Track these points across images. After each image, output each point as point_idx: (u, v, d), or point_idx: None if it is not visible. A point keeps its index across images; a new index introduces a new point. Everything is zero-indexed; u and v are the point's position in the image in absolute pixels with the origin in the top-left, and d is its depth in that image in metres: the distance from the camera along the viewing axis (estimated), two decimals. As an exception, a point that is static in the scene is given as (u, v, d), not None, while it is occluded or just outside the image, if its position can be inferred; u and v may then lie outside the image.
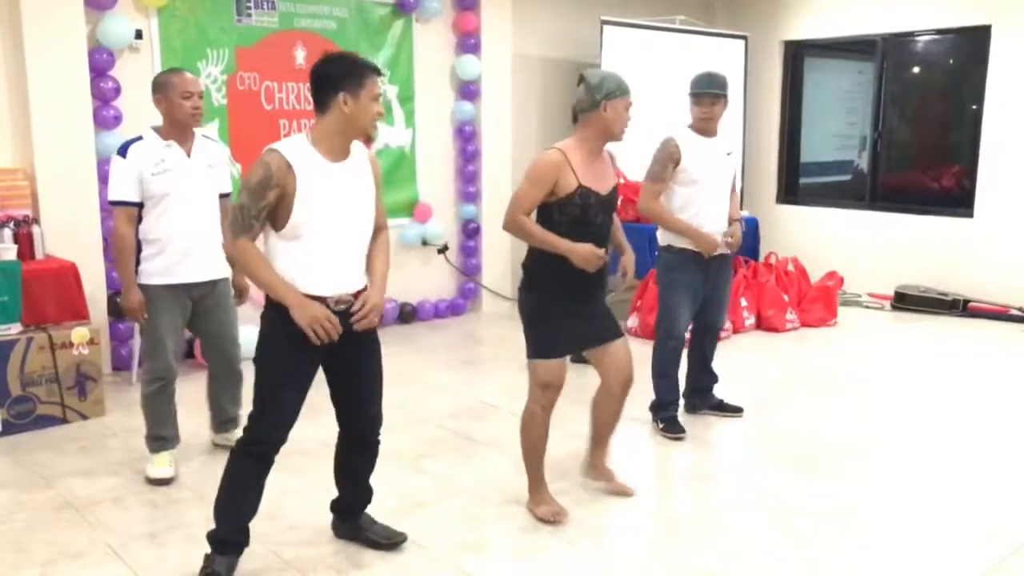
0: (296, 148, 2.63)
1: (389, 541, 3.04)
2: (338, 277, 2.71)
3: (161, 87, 3.49)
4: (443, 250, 6.79)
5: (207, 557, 2.80)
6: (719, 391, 4.52)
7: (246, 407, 2.90)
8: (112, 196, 3.49)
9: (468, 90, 6.71)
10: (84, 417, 4.38)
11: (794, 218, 8.03)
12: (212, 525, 2.83)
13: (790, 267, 6.69)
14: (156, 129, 3.54)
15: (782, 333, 6.23)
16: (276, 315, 2.66)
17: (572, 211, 3.09)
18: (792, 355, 4.62)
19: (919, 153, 7.91)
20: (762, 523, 3.29)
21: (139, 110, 5.19)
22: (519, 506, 3.39)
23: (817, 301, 6.60)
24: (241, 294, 3.87)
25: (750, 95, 7.95)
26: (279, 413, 2.72)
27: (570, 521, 3.28)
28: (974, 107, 7.01)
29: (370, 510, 3.15)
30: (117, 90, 5.05)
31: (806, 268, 6.78)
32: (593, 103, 3.11)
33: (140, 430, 4.21)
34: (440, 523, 3.27)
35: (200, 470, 3.76)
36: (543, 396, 3.20)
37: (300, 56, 5.86)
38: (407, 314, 6.54)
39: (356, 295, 2.74)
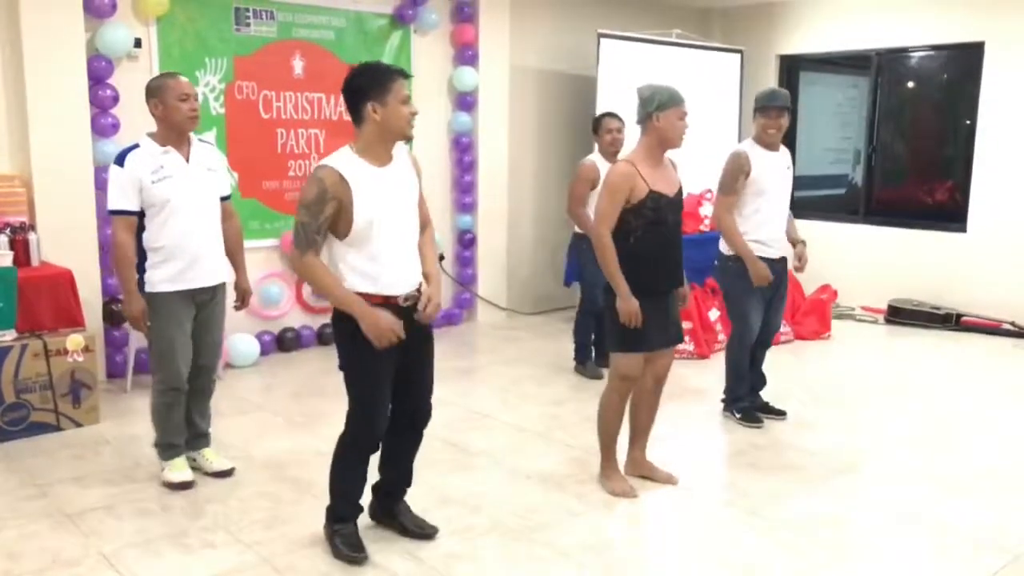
0: (345, 160, 2.78)
1: (421, 531, 3.20)
2: (402, 274, 2.88)
3: (156, 91, 3.45)
4: (439, 260, 6.79)
5: (331, 527, 3.07)
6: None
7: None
8: (111, 206, 3.45)
9: (465, 101, 6.74)
10: (78, 424, 4.37)
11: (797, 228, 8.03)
12: (212, 533, 2.82)
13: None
14: (152, 136, 3.50)
15: (776, 346, 6.21)
16: (348, 321, 2.82)
17: (646, 214, 3.40)
18: (786, 368, 4.65)
19: (913, 168, 7.96)
20: (753, 534, 3.30)
21: (137, 118, 5.23)
22: (513, 516, 3.40)
23: (811, 314, 6.63)
24: (244, 297, 3.85)
25: (746, 109, 7.98)
26: (374, 409, 2.94)
27: (564, 532, 3.28)
28: (967, 122, 7.06)
29: (365, 515, 3.16)
30: (115, 98, 5.06)
31: (800, 281, 6.80)
32: (646, 115, 3.44)
33: (135, 438, 4.23)
34: (438, 530, 3.26)
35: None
36: (621, 386, 3.56)
37: (298, 66, 5.88)
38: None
39: (419, 289, 2.93)
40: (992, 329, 6.70)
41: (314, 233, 2.74)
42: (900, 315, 7.06)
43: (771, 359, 4.76)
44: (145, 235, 3.48)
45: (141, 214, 3.46)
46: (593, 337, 5.53)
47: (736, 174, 4.27)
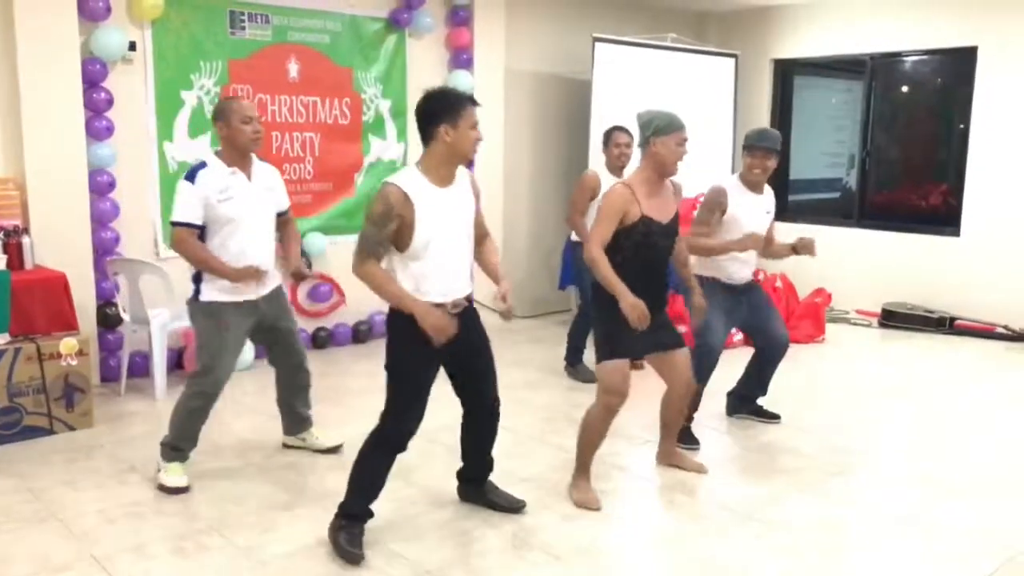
0: (411, 179, 2.96)
1: (510, 506, 3.44)
2: (453, 286, 3.09)
3: (221, 114, 3.63)
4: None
5: (338, 522, 3.10)
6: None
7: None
8: (177, 218, 3.57)
9: (460, 105, 6.73)
10: (71, 428, 4.36)
11: (783, 235, 7.94)
12: (207, 536, 2.82)
13: (779, 284, 6.73)
14: (218, 154, 3.66)
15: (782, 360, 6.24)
16: (402, 323, 3.00)
17: (636, 237, 3.45)
18: (780, 371, 4.64)
19: (907, 172, 7.99)
20: (748, 538, 3.30)
21: (131, 121, 5.24)
22: (507, 520, 3.40)
23: (805, 318, 6.64)
24: (298, 276, 3.92)
25: (740, 113, 8.01)
26: (410, 409, 3.08)
27: (558, 537, 3.29)
28: (961, 127, 7.08)
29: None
30: (110, 101, 5.06)
31: (794, 285, 6.82)
32: (644, 140, 3.50)
33: (129, 441, 4.24)
34: (428, 536, 3.27)
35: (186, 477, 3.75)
36: (607, 400, 3.52)
37: (293, 69, 5.88)
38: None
39: (467, 298, 3.16)
40: (985, 333, 6.72)
41: (376, 244, 2.92)
42: (894, 319, 7.07)
43: (766, 362, 4.77)
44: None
45: (203, 228, 3.61)
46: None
47: (712, 208, 4.17)
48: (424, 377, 3.10)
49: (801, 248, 4.26)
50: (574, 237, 5.38)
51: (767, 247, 4.43)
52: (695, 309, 4.07)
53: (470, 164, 3.07)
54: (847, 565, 3.12)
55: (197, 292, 3.66)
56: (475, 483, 3.51)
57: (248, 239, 3.65)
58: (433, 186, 2.98)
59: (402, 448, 3.13)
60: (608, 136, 5.37)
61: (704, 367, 4.26)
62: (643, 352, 3.64)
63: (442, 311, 3.00)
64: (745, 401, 4.71)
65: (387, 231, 2.92)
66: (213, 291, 3.63)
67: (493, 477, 3.55)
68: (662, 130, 3.45)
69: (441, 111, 2.94)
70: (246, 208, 3.64)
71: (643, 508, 3.66)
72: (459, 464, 3.55)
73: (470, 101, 2.99)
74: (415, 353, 3.03)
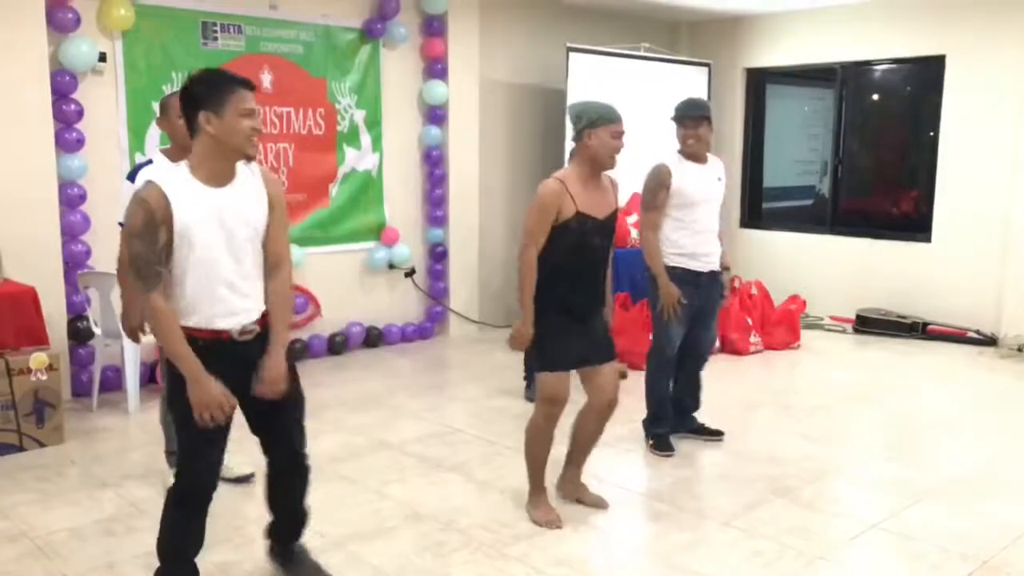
0: (172, 176, 2.50)
1: None
2: (233, 305, 2.56)
3: (164, 109, 3.58)
4: (410, 274, 6.78)
5: None
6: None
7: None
8: (123, 218, 3.43)
9: (435, 115, 6.74)
10: (41, 444, 4.29)
11: (757, 242, 8.14)
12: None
13: (753, 291, 6.77)
14: (165, 152, 3.58)
15: (746, 356, 6.29)
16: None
17: (571, 235, 3.29)
18: (756, 378, 4.68)
19: (878, 178, 8.08)
20: (725, 546, 3.31)
21: (102, 133, 5.18)
22: (485, 532, 3.38)
23: (780, 324, 6.68)
24: None
25: (714, 121, 8.05)
26: (201, 457, 2.62)
27: (536, 547, 3.27)
28: (931, 134, 7.18)
29: (336, 532, 3.13)
30: (80, 113, 5.00)
31: (769, 292, 6.87)
32: (577, 134, 3.33)
33: (101, 457, 4.19)
34: (404, 549, 3.24)
35: (159, 497, 3.69)
36: (546, 409, 3.40)
37: (267, 80, 5.85)
38: (373, 338, 6.51)
39: (259, 322, 2.63)
40: (958, 337, 6.80)
41: (152, 265, 2.42)
42: (868, 324, 7.14)
43: (740, 370, 4.80)
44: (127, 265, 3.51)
45: None
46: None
47: (656, 188, 4.09)
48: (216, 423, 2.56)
49: (725, 285, 4.35)
50: None
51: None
52: (665, 297, 4.08)
53: (250, 160, 2.58)
54: (823, 571, 3.13)
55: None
56: (281, 544, 2.97)
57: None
58: (199, 183, 2.47)
59: (202, 504, 2.66)
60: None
61: (658, 365, 4.27)
62: (574, 365, 3.45)
63: (219, 387, 2.49)
64: (681, 416, 4.46)
65: (159, 244, 2.41)
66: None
67: (474, 488, 3.52)
68: (595, 122, 3.28)
69: (203, 96, 2.45)
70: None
71: (621, 517, 3.65)
72: (428, 474, 3.43)
73: (240, 84, 2.50)
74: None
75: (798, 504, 3.70)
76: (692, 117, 4.15)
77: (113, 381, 5.18)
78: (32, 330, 4.38)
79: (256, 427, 2.80)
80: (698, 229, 4.17)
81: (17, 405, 4.21)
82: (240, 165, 2.58)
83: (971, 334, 6.78)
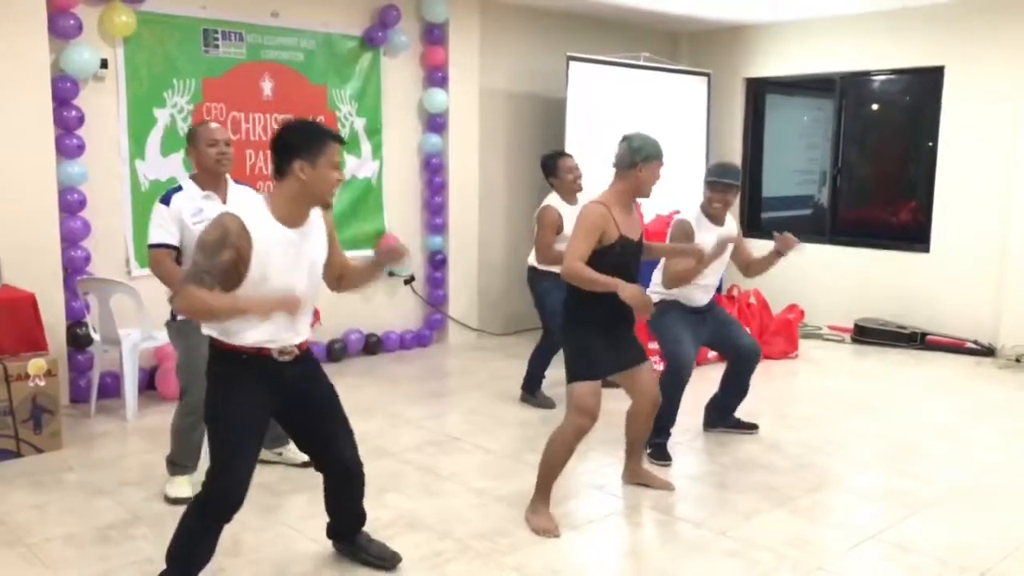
0: (253, 212, 2.65)
1: (379, 561, 3.11)
2: (282, 335, 2.71)
3: (190, 138, 3.73)
4: (409, 281, 6.79)
5: None
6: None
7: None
8: (153, 240, 3.62)
9: (436, 123, 6.75)
10: (39, 451, 4.28)
11: (756, 251, 8.03)
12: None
13: (752, 300, 6.78)
14: (193, 178, 3.73)
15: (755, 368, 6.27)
16: (223, 371, 2.69)
17: (612, 258, 3.44)
18: (754, 387, 4.67)
19: (877, 189, 8.09)
20: (722, 555, 3.31)
21: (103, 139, 5.19)
22: (482, 541, 3.38)
23: (778, 334, 6.69)
24: None
25: (713, 131, 8.10)
26: (237, 472, 2.69)
27: (533, 556, 3.27)
28: (929, 144, 7.19)
29: (322, 538, 3.13)
30: (81, 119, 5.02)
31: (768, 301, 6.87)
32: (631, 163, 3.51)
33: (99, 463, 4.19)
34: (400, 558, 3.24)
35: (156, 505, 3.70)
36: (578, 421, 3.44)
37: (267, 88, 5.87)
38: (372, 345, 6.51)
39: (299, 346, 2.78)
40: (956, 348, 6.81)
41: (203, 272, 2.56)
42: (866, 334, 7.14)
43: (739, 379, 4.79)
44: (181, 271, 3.62)
45: (179, 250, 3.63)
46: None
47: (681, 241, 4.28)
48: (253, 433, 2.71)
49: (784, 247, 4.33)
50: (531, 261, 5.15)
51: (750, 268, 4.55)
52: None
53: (326, 208, 2.81)
54: (821, 582, 3.13)
55: (173, 313, 3.63)
56: (345, 539, 3.17)
57: None
58: (278, 224, 2.65)
59: (225, 517, 2.72)
60: (554, 165, 5.11)
61: (676, 382, 4.32)
62: (612, 371, 3.61)
63: (276, 294, 2.62)
64: (723, 414, 4.74)
65: (218, 260, 2.55)
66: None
67: (472, 497, 3.52)
68: (651, 157, 3.51)
69: (299, 145, 2.63)
70: None
71: (617, 526, 3.65)
72: (426, 482, 3.46)
73: (333, 138, 2.68)
74: (242, 406, 2.67)
75: (796, 514, 3.70)
76: (725, 184, 4.31)
77: (111, 387, 5.18)
78: (31, 336, 4.39)
79: (305, 441, 2.96)
80: (703, 284, 4.35)
81: (15, 411, 4.21)
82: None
83: (969, 344, 6.78)
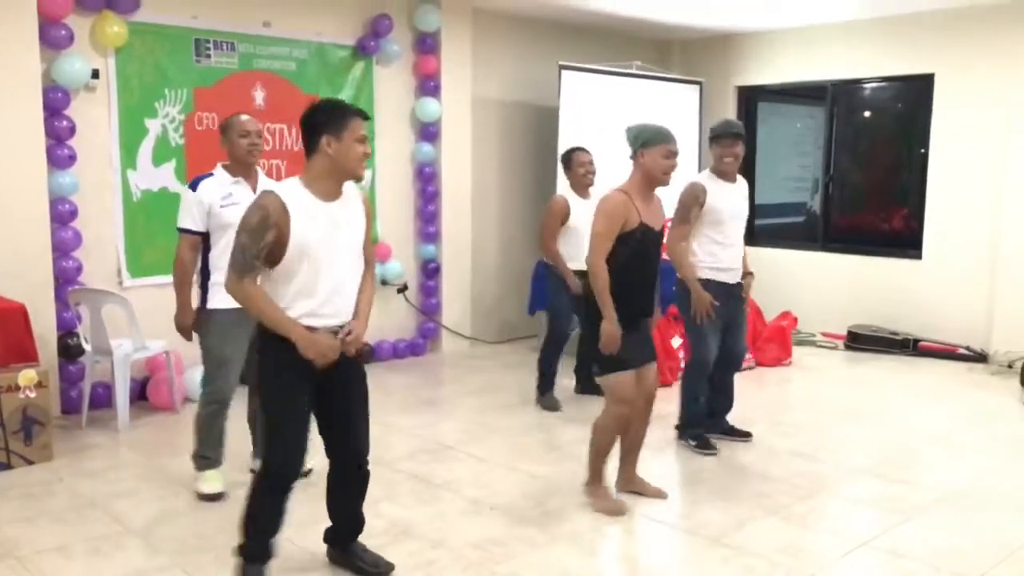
0: (290, 190, 2.78)
1: (376, 570, 3.13)
2: (328, 308, 2.84)
3: (223, 128, 3.85)
4: (402, 290, 6.78)
5: (239, 567, 2.94)
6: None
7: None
8: (180, 224, 3.77)
9: (428, 131, 6.76)
10: (29, 462, 4.25)
11: (749, 258, 8.12)
12: (169, 573, 2.76)
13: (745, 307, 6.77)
14: (225, 167, 3.85)
15: (738, 372, 6.27)
16: (275, 350, 2.80)
17: (633, 244, 3.54)
18: (747, 394, 4.68)
19: (869, 196, 8.12)
20: (716, 562, 3.30)
21: (94, 149, 5.18)
22: (475, 550, 3.37)
23: (772, 341, 6.69)
24: None
25: (705, 139, 8.09)
26: (292, 445, 2.86)
27: (526, 564, 3.26)
28: (921, 151, 7.22)
29: (314, 547, 3.11)
30: (72, 129, 5.01)
31: (761, 308, 6.88)
32: (633, 151, 3.61)
33: (89, 475, 4.16)
34: (394, 567, 3.22)
35: (147, 515, 3.68)
36: (619, 409, 3.62)
37: (259, 97, 5.87)
38: (365, 354, 6.48)
39: (347, 333, 2.89)
40: (948, 354, 6.82)
41: (252, 258, 2.72)
42: (859, 341, 7.16)
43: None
44: (211, 255, 3.76)
45: (206, 236, 3.76)
46: (576, 364, 5.59)
47: (691, 204, 4.32)
48: (303, 408, 2.88)
49: (745, 288, 4.56)
50: (545, 259, 5.39)
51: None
52: (698, 303, 4.28)
53: (359, 180, 2.93)
54: (815, 589, 3.13)
55: (204, 299, 3.79)
56: (341, 544, 3.20)
57: None
58: (314, 198, 2.79)
59: (287, 487, 2.90)
60: (569, 158, 5.35)
61: (700, 375, 4.48)
62: (641, 362, 3.71)
63: (324, 333, 2.80)
64: (715, 419, 4.73)
65: (264, 243, 2.70)
66: (215, 297, 3.72)
67: (465, 505, 3.51)
68: (649, 142, 3.56)
69: (325, 121, 2.78)
70: None
71: (612, 533, 3.64)
72: (419, 491, 3.46)
73: (357, 113, 2.82)
74: (290, 380, 2.82)
75: (789, 521, 3.69)
76: (730, 135, 4.39)
77: (103, 398, 5.15)
78: (21, 347, 4.36)
79: (327, 425, 3.00)
80: (729, 243, 4.45)
81: (5, 422, 4.18)
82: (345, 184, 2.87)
83: (962, 351, 6.80)
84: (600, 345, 3.54)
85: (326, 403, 2.94)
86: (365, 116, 2.84)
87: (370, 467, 3.08)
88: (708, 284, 4.37)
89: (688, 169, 7.79)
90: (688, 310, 4.46)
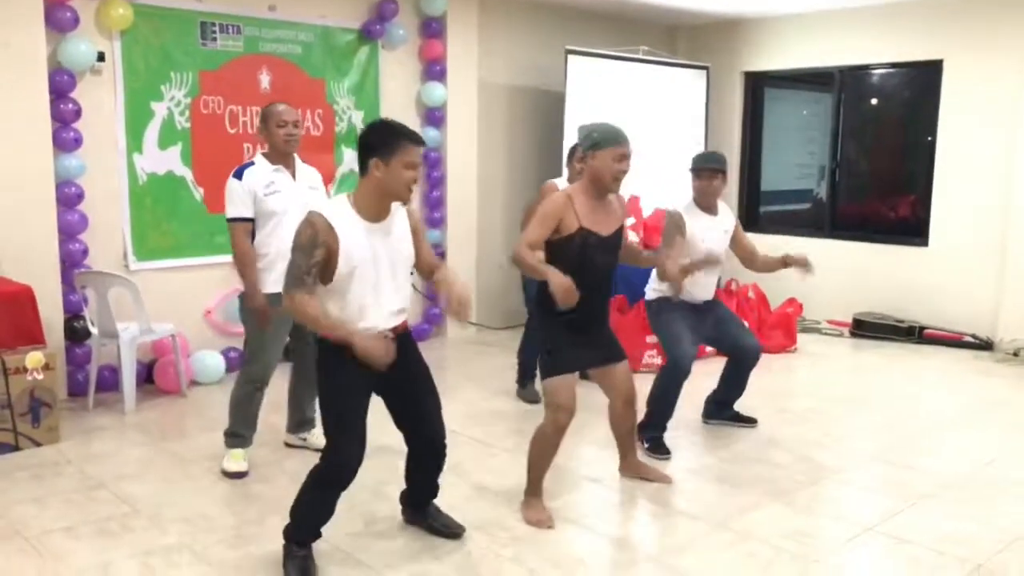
0: (337, 210, 2.86)
1: (446, 529, 3.31)
2: (378, 323, 2.92)
3: (262, 118, 3.92)
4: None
5: (287, 548, 3.02)
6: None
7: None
8: (230, 214, 3.84)
9: (434, 116, 6.74)
10: (37, 444, 4.28)
11: (755, 245, 8.12)
12: (177, 554, 2.78)
13: (750, 294, 6.78)
14: (265, 155, 3.92)
15: (755, 367, 6.27)
16: (331, 353, 2.88)
17: (572, 249, 3.33)
18: (752, 381, 4.67)
19: (876, 183, 8.09)
20: (720, 547, 3.31)
21: (100, 132, 5.18)
22: (480, 533, 3.38)
23: (777, 328, 6.69)
24: None
25: (712, 125, 8.08)
26: (352, 441, 2.92)
27: (531, 549, 3.27)
28: (928, 138, 7.19)
29: (329, 532, 3.15)
30: (78, 112, 5.00)
31: (766, 295, 6.87)
32: (583, 153, 3.43)
33: (97, 456, 4.19)
34: (396, 551, 3.24)
35: (155, 497, 3.70)
36: (555, 416, 3.41)
37: (265, 80, 5.85)
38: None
39: (394, 329, 2.98)
40: (954, 341, 6.81)
41: (304, 273, 2.80)
42: (865, 328, 7.15)
43: (738, 372, 4.79)
44: (255, 242, 3.85)
45: (253, 221, 3.84)
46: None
47: (673, 233, 4.26)
48: (359, 405, 2.95)
49: (792, 262, 4.43)
50: None
51: (755, 263, 4.58)
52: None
53: (405, 204, 2.98)
54: (818, 574, 3.13)
55: (244, 293, 3.88)
56: (417, 507, 3.40)
57: (292, 233, 3.72)
58: (360, 218, 2.86)
59: (344, 484, 2.97)
60: (573, 152, 5.15)
61: (673, 380, 4.31)
62: (586, 366, 3.58)
63: (375, 336, 2.84)
64: (722, 407, 4.76)
65: (315, 259, 2.79)
66: (260, 282, 3.82)
67: (469, 490, 3.53)
68: (598, 143, 3.34)
69: (376, 144, 2.83)
70: (291, 202, 3.82)
71: (616, 519, 3.66)
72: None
73: (410, 138, 2.84)
74: (348, 382, 2.90)
75: (793, 507, 3.70)
76: (710, 170, 4.32)
77: (109, 381, 5.17)
78: (28, 329, 4.38)
79: (401, 415, 3.12)
80: (700, 282, 4.32)
81: (13, 404, 4.21)
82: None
83: (967, 338, 6.79)
84: (557, 297, 3.18)
85: (393, 398, 3.07)
86: (419, 141, 2.87)
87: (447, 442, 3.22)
88: (663, 300, 4.33)
89: (695, 151, 7.79)
90: (653, 324, 4.42)
